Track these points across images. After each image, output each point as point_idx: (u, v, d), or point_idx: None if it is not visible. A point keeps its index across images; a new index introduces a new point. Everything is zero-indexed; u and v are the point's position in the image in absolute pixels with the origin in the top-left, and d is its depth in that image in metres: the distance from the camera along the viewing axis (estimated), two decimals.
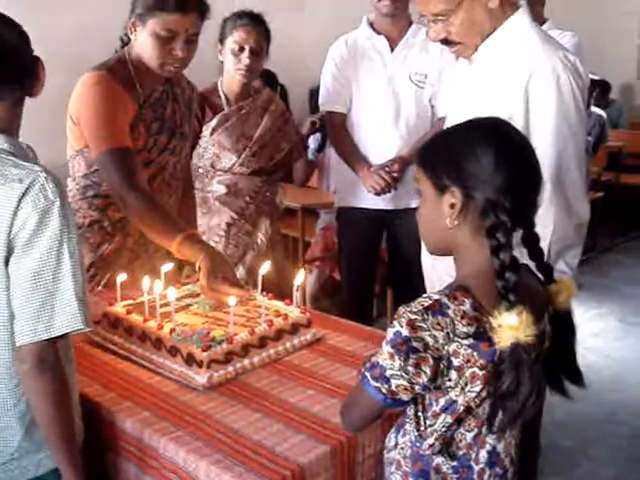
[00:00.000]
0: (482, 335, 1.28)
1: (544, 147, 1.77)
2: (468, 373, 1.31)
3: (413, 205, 2.95)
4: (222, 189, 2.99)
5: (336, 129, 3.29)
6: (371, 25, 3.23)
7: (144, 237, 2.31)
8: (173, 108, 2.42)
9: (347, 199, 3.34)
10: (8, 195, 1.41)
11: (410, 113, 3.18)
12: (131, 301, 2.10)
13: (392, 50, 3.18)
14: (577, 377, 1.48)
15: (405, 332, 1.28)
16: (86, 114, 2.22)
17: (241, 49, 2.92)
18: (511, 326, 1.25)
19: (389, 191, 3.09)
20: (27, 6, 3.63)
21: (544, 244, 1.49)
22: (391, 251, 3.43)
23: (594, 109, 6.37)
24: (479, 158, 1.33)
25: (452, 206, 1.36)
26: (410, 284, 3.40)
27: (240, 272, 2.94)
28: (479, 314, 1.29)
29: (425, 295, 1.33)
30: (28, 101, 1.57)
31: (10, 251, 1.41)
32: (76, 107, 2.26)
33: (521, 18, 1.94)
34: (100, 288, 2.41)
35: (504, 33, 1.92)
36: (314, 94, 5.23)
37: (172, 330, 1.88)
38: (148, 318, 1.96)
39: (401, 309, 1.32)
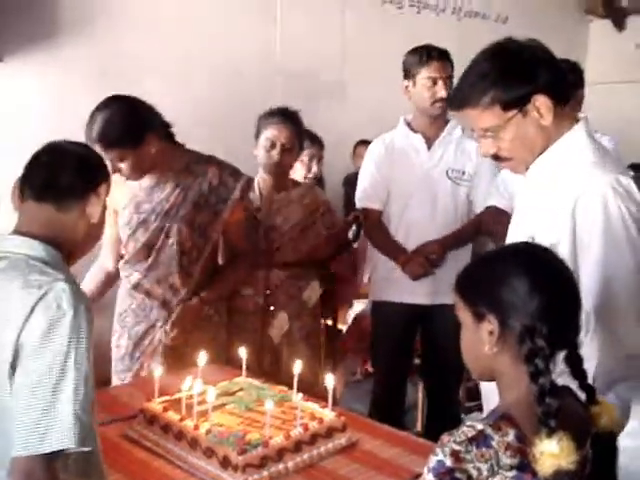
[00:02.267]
0: (526, 466, 1.28)
1: (589, 276, 1.72)
2: None
3: (448, 301, 2.96)
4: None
5: (372, 224, 3.36)
6: (408, 125, 3.33)
7: None
8: None
9: (382, 293, 3.37)
10: (25, 300, 1.42)
11: (447, 208, 3.24)
12: (168, 397, 2.12)
13: (429, 148, 3.26)
14: None
15: (448, 462, 1.27)
16: None
17: (272, 145, 3.00)
18: (552, 453, 1.24)
19: (427, 275, 3.15)
20: None
21: (589, 377, 1.48)
22: (425, 346, 3.44)
23: None
24: (512, 286, 1.35)
25: (490, 333, 1.38)
26: (443, 378, 3.40)
27: (267, 362, 2.96)
28: (523, 445, 1.28)
29: (468, 424, 1.32)
30: None
31: (16, 356, 1.40)
32: None
33: (576, 135, 1.83)
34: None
35: (557, 151, 1.82)
36: (349, 181, 5.34)
37: (208, 431, 1.89)
38: (185, 417, 1.98)
39: (445, 438, 1.31)
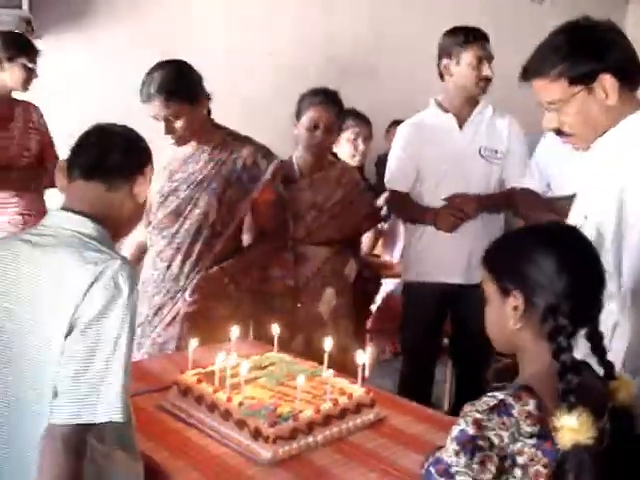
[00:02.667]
0: (546, 435, 1.32)
1: (630, 257, 1.73)
2: (532, 471, 1.33)
3: (478, 281, 2.99)
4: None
5: (399, 203, 3.41)
6: (440, 105, 3.34)
7: None
8: None
9: (415, 273, 3.39)
10: (82, 276, 1.48)
11: (480, 187, 3.26)
12: (201, 370, 2.17)
13: (460, 127, 3.28)
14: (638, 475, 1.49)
15: (471, 431, 1.32)
16: None
17: (316, 126, 3.03)
18: (572, 428, 1.29)
19: (458, 225, 3.18)
20: None
21: (618, 359, 1.50)
22: (456, 327, 3.46)
23: None
24: (540, 264, 1.40)
25: (515, 309, 1.42)
26: (473, 360, 3.42)
27: (298, 341, 3.01)
28: (543, 414, 1.33)
29: (490, 394, 1.36)
30: None
31: (71, 329, 1.47)
32: None
33: (638, 118, 1.81)
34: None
35: (621, 132, 1.81)
36: (381, 161, 5.35)
37: (241, 403, 1.94)
38: (218, 389, 2.04)
39: (467, 407, 1.35)
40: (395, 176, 3.38)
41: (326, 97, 3.09)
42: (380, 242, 4.42)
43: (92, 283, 1.47)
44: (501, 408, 1.33)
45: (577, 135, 1.85)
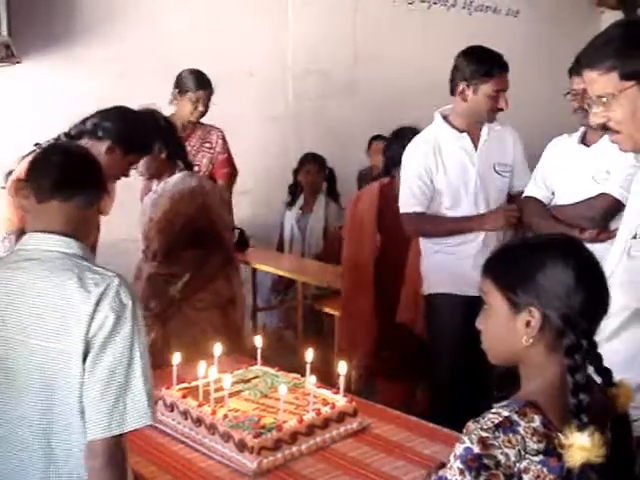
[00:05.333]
0: (552, 451, 1.30)
1: None
2: None
3: None
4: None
5: (425, 222, 3.31)
6: (449, 122, 3.29)
7: None
8: None
9: (441, 285, 3.32)
10: (85, 298, 1.54)
11: (497, 203, 3.30)
12: (186, 384, 2.20)
13: (475, 147, 3.28)
14: None
15: (476, 449, 1.29)
16: None
17: None
18: (583, 447, 1.28)
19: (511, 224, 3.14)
20: None
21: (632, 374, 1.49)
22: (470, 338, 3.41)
23: None
24: (560, 279, 1.36)
25: (527, 324, 1.38)
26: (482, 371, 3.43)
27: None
28: (548, 430, 1.31)
29: (494, 411, 1.33)
30: None
31: (87, 350, 1.53)
32: None
33: None
34: None
35: None
36: (363, 176, 5.41)
37: (225, 416, 1.97)
38: (202, 403, 2.07)
39: (471, 425, 1.32)
40: (418, 198, 3.26)
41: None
42: None
43: (97, 304, 1.54)
44: (506, 425, 1.29)
45: (623, 132, 1.76)
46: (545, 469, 1.30)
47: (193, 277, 2.93)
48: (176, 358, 2.24)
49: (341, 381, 2.14)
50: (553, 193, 2.97)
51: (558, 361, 1.36)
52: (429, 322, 3.44)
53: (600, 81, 1.73)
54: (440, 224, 3.30)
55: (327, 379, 2.36)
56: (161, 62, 4.60)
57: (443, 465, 1.37)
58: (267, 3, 5.24)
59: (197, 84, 4.14)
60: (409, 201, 3.28)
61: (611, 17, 7.49)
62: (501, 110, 3.18)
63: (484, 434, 1.29)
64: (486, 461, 1.28)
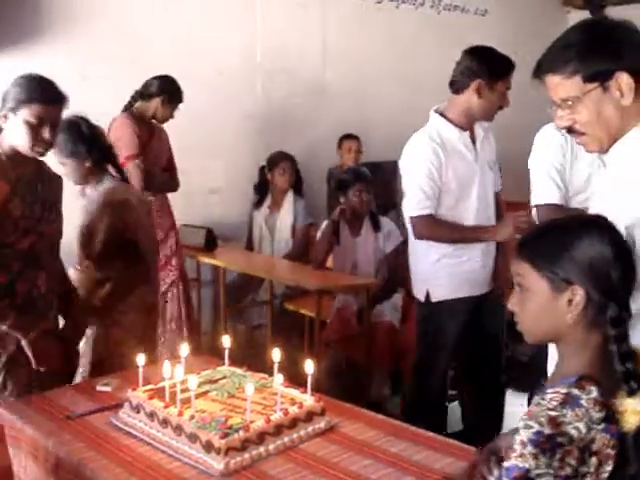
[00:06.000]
0: (611, 418, 1.35)
1: None
2: (604, 455, 1.36)
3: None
4: None
5: (443, 226, 3.27)
6: (447, 119, 3.26)
7: None
8: (44, 187, 2.62)
9: (447, 292, 3.32)
10: None
11: (492, 197, 3.40)
12: (152, 386, 2.18)
13: (474, 144, 3.31)
14: None
15: (547, 430, 1.32)
16: None
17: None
18: (637, 411, 1.34)
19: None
20: None
21: None
22: (476, 332, 3.46)
23: None
24: (599, 254, 1.41)
25: (570, 302, 1.42)
26: (491, 361, 3.54)
27: None
28: (605, 399, 1.36)
29: (551, 391, 1.38)
30: None
31: None
32: None
33: None
34: None
35: (638, 136, 1.73)
36: (333, 175, 5.41)
37: (192, 417, 1.96)
38: (169, 404, 2.05)
39: (534, 409, 1.36)
40: (430, 199, 3.20)
41: None
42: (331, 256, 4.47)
43: None
44: (570, 401, 1.34)
45: (589, 135, 1.77)
46: (608, 435, 1.35)
47: (115, 288, 2.94)
48: (141, 359, 2.22)
49: (309, 380, 2.13)
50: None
51: (600, 333, 1.41)
52: (425, 328, 3.45)
53: (563, 85, 1.74)
54: (457, 231, 3.27)
55: (297, 379, 2.35)
56: (128, 63, 4.56)
57: (499, 459, 1.46)
58: (235, 2, 5.22)
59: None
60: (421, 203, 3.20)
61: (577, 17, 7.57)
62: (501, 108, 3.25)
63: (553, 413, 1.33)
64: (560, 439, 1.32)
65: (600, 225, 1.46)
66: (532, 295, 1.46)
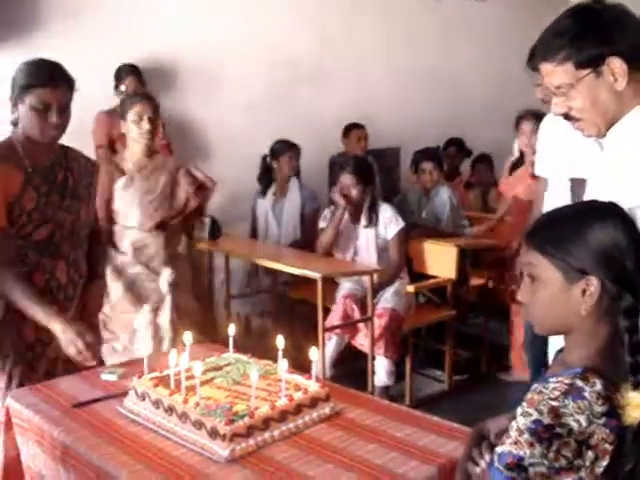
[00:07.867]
0: (613, 412, 1.33)
1: None
2: (601, 450, 1.33)
3: None
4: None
5: None
6: None
7: None
8: (65, 175, 2.61)
9: None
10: None
11: None
12: (157, 374, 2.20)
13: None
14: None
15: (547, 420, 1.30)
16: None
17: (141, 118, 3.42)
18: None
19: None
20: None
21: None
22: None
23: None
24: (613, 242, 1.38)
25: (584, 293, 1.39)
26: None
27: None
28: (609, 392, 1.33)
29: (554, 380, 1.36)
30: None
31: None
32: None
33: None
34: None
35: (634, 119, 1.74)
36: (334, 162, 5.41)
37: (197, 404, 1.97)
38: (174, 391, 2.06)
39: (536, 397, 1.34)
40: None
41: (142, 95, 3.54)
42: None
43: None
44: (573, 392, 1.31)
45: (585, 120, 1.77)
46: (607, 430, 1.32)
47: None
48: (146, 349, 2.23)
49: (313, 367, 2.14)
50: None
51: (610, 324, 1.39)
52: None
53: (557, 72, 1.74)
54: None
55: (301, 366, 2.36)
56: (130, 56, 4.57)
57: (491, 445, 1.43)
58: None
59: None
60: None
61: (578, 1, 7.53)
62: None
63: (554, 403, 1.31)
64: (558, 430, 1.29)
65: (614, 213, 1.43)
66: (544, 285, 1.43)
